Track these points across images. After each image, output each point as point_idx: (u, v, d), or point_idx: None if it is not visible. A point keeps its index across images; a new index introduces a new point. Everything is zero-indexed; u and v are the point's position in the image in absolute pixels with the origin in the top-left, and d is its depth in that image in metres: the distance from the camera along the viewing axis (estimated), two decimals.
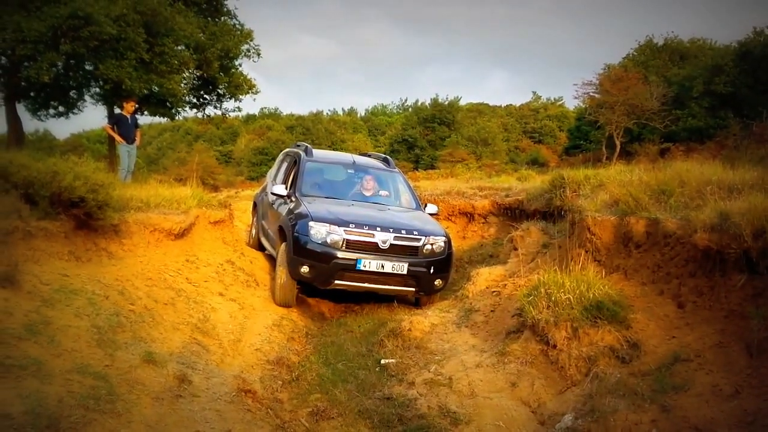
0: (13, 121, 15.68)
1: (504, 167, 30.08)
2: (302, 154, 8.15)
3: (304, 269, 6.50)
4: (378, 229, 6.60)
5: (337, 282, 6.57)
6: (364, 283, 6.61)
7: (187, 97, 17.73)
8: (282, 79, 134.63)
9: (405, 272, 6.58)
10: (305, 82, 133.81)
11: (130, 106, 10.54)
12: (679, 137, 25.09)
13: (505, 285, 6.29)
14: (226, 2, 18.20)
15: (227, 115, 20.53)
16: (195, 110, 19.19)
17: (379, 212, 7.23)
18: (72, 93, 16.88)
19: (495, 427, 4.07)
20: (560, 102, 56.56)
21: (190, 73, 16.87)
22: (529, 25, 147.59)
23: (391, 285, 6.70)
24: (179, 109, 17.81)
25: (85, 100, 17.30)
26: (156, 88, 15.35)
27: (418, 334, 5.79)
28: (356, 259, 6.46)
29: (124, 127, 10.25)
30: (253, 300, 6.70)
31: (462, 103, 50.57)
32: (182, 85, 16.42)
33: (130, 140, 10.25)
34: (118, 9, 13.16)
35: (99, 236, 5.46)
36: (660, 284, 4.77)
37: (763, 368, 3.51)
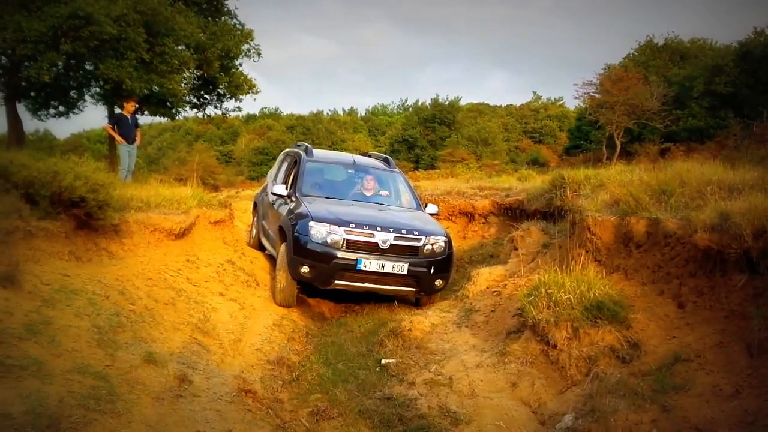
0: (14, 120, 15.70)
1: (504, 167, 30.11)
2: (302, 154, 8.15)
3: (305, 269, 6.50)
4: (378, 229, 6.60)
5: (337, 282, 6.57)
6: (364, 283, 6.60)
7: (187, 97, 17.74)
8: (282, 79, 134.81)
9: (405, 272, 6.58)
10: (305, 82, 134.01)
11: (130, 106, 10.55)
12: (680, 137, 25.10)
13: (506, 285, 6.29)
14: (226, 2, 18.24)
15: (227, 115, 20.56)
16: (195, 110, 19.24)
17: (380, 212, 7.23)
18: (72, 93, 16.90)
19: (495, 427, 4.07)
20: (560, 102, 56.67)
21: (190, 72, 16.88)
22: (529, 25, 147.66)
23: (391, 285, 6.70)
24: (179, 108, 17.83)
25: (85, 100, 17.34)
26: (156, 88, 15.36)
27: (419, 334, 5.79)
28: (356, 259, 6.46)
29: (125, 127, 10.25)
30: (254, 300, 6.71)
31: (462, 103, 50.63)
32: (182, 84, 16.43)
33: (130, 140, 10.25)
34: (118, 9, 13.17)
35: (99, 236, 5.46)
36: (660, 284, 4.77)
37: (763, 368, 3.51)
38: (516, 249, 7.19)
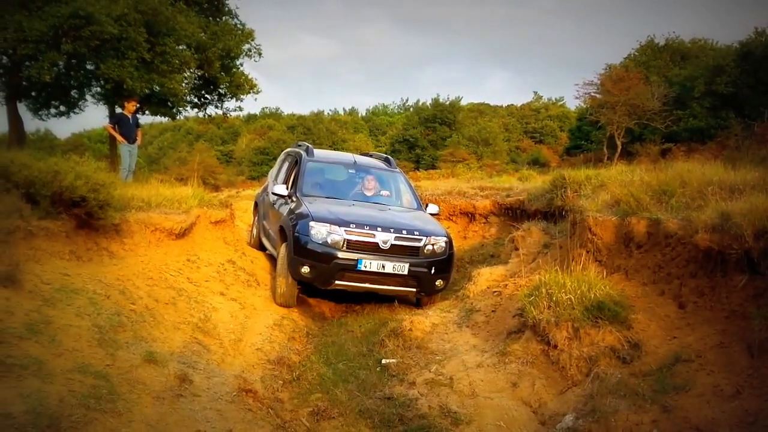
0: (15, 120, 15.73)
1: (505, 167, 30.13)
2: (303, 153, 8.14)
3: (305, 269, 6.49)
4: (379, 229, 6.59)
5: (337, 282, 6.56)
6: (364, 283, 6.60)
7: (188, 97, 17.76)
8: (283, 79, 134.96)
9: (406, 272, 6.57)
10: (306, 81, 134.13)
11: (131, 106, 10.56)
12: (681, 137, 25.10)
13: (506, 285, 6.29)
14: (227, 2, 18.28)
15: (228, 115, 20.58)
16: (196, 110, 19.28)
17: (380, 212, 7.23)
18: (73, 92, 16.93)
19: (496, 427, 4.07)
20: (561, 102, 56.74)
21: (191, 72, 16.90)
22: (530, 25, 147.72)
23: (391, 285, 6.69)
24: (180, 108, 17.86)
25: (86, 100, 17.37)
26: (157, 87, 15.38)
27: (419, 334, 5.79)
28: (357, 260, 6.45)
29: (126, 127, 10.26)
30: (254, 300, 6.71)
31: (463, 103, 50.64)
32: (183, 84, 16.45)
33: (131, 140, 10.26)
34: (119, 8, 13.18)
35: (100, 236, 5.46)
36: (661, 284, 4.77)
37: (764, 368, 3.51)
38: (517, 249, 7.19)
